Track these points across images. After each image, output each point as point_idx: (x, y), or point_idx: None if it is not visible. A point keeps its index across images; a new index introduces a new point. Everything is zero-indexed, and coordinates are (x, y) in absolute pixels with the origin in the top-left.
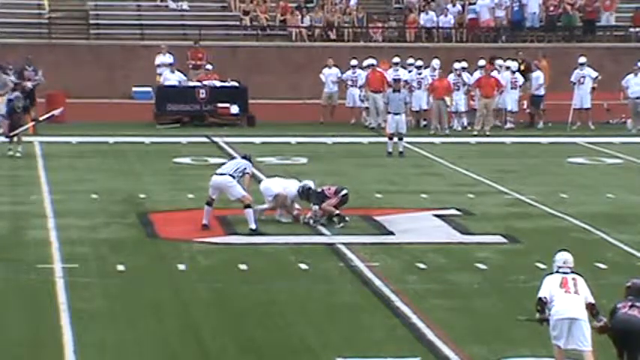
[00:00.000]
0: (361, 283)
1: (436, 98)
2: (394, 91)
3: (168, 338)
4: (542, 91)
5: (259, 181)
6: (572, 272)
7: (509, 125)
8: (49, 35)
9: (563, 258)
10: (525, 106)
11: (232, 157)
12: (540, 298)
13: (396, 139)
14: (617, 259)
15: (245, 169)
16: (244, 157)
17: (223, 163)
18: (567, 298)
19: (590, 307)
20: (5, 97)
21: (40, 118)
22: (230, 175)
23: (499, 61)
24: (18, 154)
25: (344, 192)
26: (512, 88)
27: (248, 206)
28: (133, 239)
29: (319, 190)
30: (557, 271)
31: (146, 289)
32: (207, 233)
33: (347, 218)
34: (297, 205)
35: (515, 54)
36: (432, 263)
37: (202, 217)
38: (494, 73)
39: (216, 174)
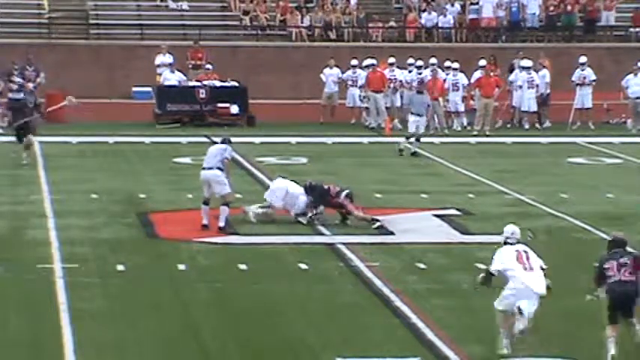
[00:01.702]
0: (361, 283)
1: (431, 99)
2: (418, 92)
3: (168, 338)
4: (548, 90)
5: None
6: (519, 243)
7: (527, 126)
8: (49, 35)
9: (512, 229)
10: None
11: (214, 142)
12: (491, 273)
13: (412, 139)
14: None
15: (223, 154)
16: (223, 142)
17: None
18: (529, 276)
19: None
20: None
21: (58, 105)
22: (218, 168)
23: (516, 61)
24: (25, 162)
25: (346, 192)
26: (528, 88)
27: (227, 204)
28: (133, 239)
29: (325, 187)
30: (505, 242)
31: (146, 289)
32: (207, 233)
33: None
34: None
35: (516, 54)
36: (432, 263)
37: (201, 217)
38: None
39: (204, 168)
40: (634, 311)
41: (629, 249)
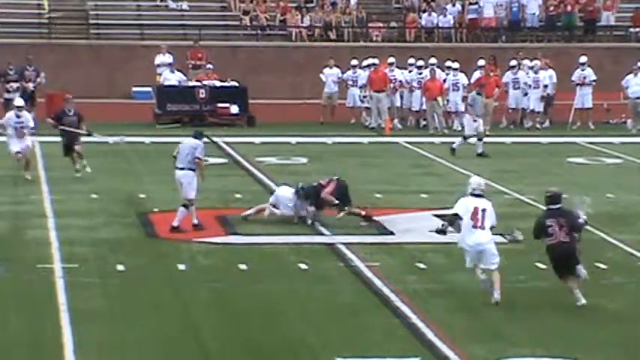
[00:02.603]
0: (361, 283)
1: (429, 99)
2: (478, 94)
3: (168, 338)
4: (553, 90)
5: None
6: (483, 196)
7: (530, 124)
8: (49, 35)
9: (477, 181)
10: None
11: (195, 136)
12: (456, 215)
13: (474, 140)
14: (617, 259)
15: (195, 153)
16: (195, 136)
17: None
18: (474, 234)
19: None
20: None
21: (111, 141)
22: (190, 168)
23: (525, 61)
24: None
25: (336, 177)
26: (534, 88)
27: (186, 206)
28: (132, 239)
29: (314, 184)
30: (471, 194)
31: (146, 289)
32: (207, 233)
33: (363, 214)
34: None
35: (516, 54)
36: (432, 263)
37: (196, 215)
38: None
39: (177, 168)
40: (574, 268)
41: (563, 206)
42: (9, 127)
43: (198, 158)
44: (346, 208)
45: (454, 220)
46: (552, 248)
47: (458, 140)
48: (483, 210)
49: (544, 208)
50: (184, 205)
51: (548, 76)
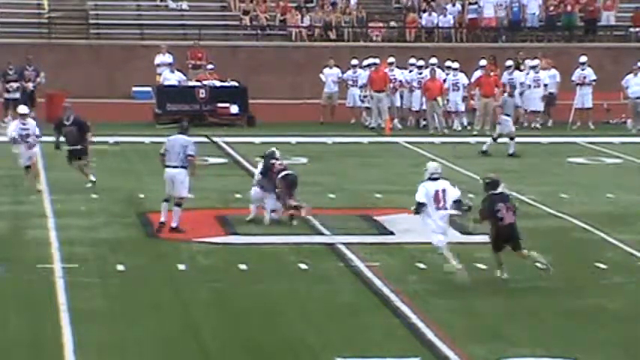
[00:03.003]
0: (361, 283)
1: (429, 99)
2: (509, 95)
3: (168, 338)
4: (556, 90)
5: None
6: (440, 179)
7: (534, 125)
8: (48, 35)
9: (435, 166)
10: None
11: (180, 131)
12: (421, 203)
13: (506, 140)
14: (617, 259)
15: (186, 151)
16: (182, 132)
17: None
18: (439, 215)
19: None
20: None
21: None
22: (182, 167)
23: (527, 61)
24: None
25: (285, 173)
26: (535, 87)
27: (180, 205)
28: (132, 239)
29: (272, 161)
30: (429, 179)
31: (146, 289)
32: (207, 233)
33: (294, 222)
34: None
35: (516, 54)
36: (432, 263)
37: (166, 215)
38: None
39: (169, 166)
40: (520, 244)
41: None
42: (17, 137)
43: (192, 156)
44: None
45: (420, 209)
46: (503, 229)
47: (488, 141)
48: (443, 190)
49: (486, 193)
50: (177, 204)
51: (551, 76)
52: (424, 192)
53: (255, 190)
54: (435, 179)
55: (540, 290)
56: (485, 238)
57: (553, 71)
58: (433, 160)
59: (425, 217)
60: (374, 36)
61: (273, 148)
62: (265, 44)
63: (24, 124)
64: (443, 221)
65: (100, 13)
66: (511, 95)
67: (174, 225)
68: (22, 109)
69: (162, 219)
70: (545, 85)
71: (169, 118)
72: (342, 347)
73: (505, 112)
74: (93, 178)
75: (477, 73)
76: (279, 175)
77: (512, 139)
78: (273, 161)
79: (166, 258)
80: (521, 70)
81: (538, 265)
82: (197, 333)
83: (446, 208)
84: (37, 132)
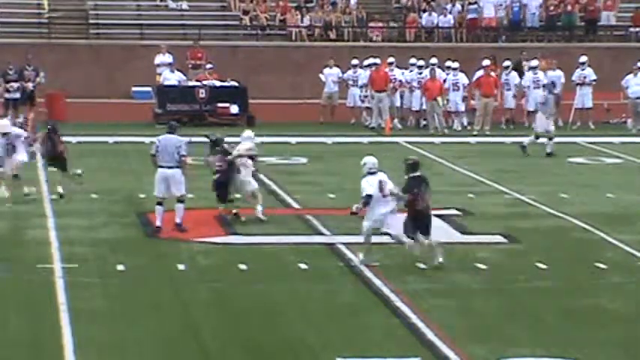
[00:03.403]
0: (361, 283)
1: (429, 99)
2: (550, 93)
3: (168, 338)
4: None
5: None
6: (379, 172)
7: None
8: (48, 35)
9: (372, 160)
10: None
11: (169, 131)
12: (370, 195)
13: (544, 139)
14: (617, 259)
15: (180, 152)
16: (172, 132)
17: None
18: (384, 203)
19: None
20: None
21: None
22: (177, 167)
23: (533, 62)
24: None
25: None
26: (535, 88)
27: (182, 201)
28: (132, 239)
29: (226, 145)
30: (368, 173)
31: (146, 289)
32: (207, 233)
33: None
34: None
35: (520, 54)
36: (432, 263)
37: (162, 219)
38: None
39: (163, 167)
40: (429, 228)
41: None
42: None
43: (184, 156)
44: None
45: (368, 201)
46: (421, 211)
47: (528, 139)
48: (384, 182)
49: (405, 176)
50: (180, 201)
51: (557, 77)
52: (370, 185)
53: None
54: (374, 173)
55: (540, 290)
56: (485, 239)
57: (558, 72)
58: (434, 160)
59: (370, 208)
60: (374, 36)
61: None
62: (265, 44)
63: (7, 140)
64: (385, 210)
65: (100, 13)
66: (551, 92)
67: (178, 221)
68: (3, 127)
69: (157, 223)
70: (544, 86)
71: (169, 118)
72: (342, 347)
73: (543, 110)
74: (61, 191)
75: (480, 73)
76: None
77: (550, 138)
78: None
79: (166, 258)
80: (519, 71)
81: (438, 259)
82: (197, 333)
83: (386, 196)
84: (24, 134)
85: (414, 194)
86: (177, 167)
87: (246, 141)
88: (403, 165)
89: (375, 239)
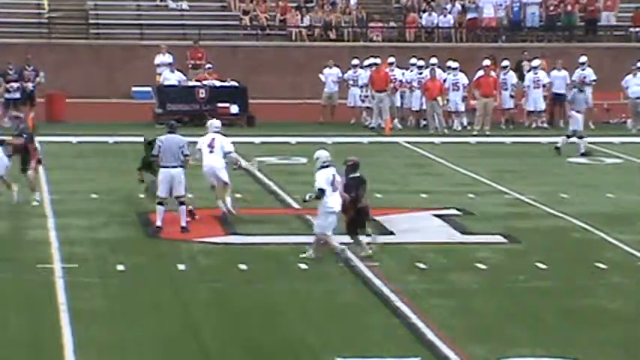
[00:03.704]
0: (361, 283)
1: (429, 99)
2: (580, 91)
3: (168, 338)
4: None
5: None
6: (330, 166)
7: (535, 125)
8: (48, 35)
9: (325, 154)
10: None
11: (170, 131)
12: (323, 190)
13: (575, 139)
14: (617, 259)
15: (183, 151)
16: (173, 131)
17: (157, 144)
18: (334, 197)
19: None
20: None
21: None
22: (181, 166)
23: (535, 62)
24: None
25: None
26: (535, 88)
27: (184, 203)
28: (132, 239)
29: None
30: (322, 166)
31: (146, 289)
32: (207, 233)
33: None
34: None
35: (521, 54)
36: (432, 263)
37: (163, 219)
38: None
39: (167, 166)
40: (365, 227)
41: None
42: None
43: (187, 155)
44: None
45: (322, 195)
46: (361, 210)
47: (561, 139)
48: (336, 175)
49: (346, 175)
50: (182, 203)
51: (562, 77)
52: (324, 178)
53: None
54: (327, 166)
55: (540, 290)
56: (485, 239)
57: (563, 72)
58: (434, 160)
59: (324, 201)
60: (374, 36)
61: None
62: (265, 44)
63: None
64: (336, 206)
65: (100, 13)
66: (581, 91)
67: (183, 224)
68: None
69: (158, 223)
70: (544, 86)
71: (169, 118)
72: (342, 347)
73: (575, 108)
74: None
75: (480, 73)
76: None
77: (581, 137)
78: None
79: (166, 258)
80: (520, 71)
81: (367, 251)
82: (197, 333)
83: (337, 194)
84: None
85: (355, 195)
86: (181, 167)
87: (212, 131)
88: (344, 166)
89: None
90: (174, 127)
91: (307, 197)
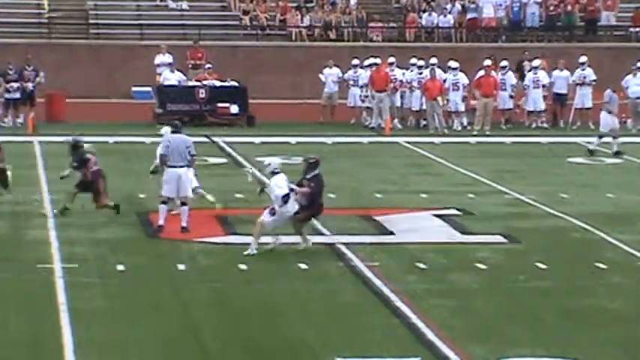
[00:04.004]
0: (361, 283)
1: (429, 99)
2: (614, 91)
3: (168, 338)
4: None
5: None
6: (281, 172)
7: (535, 125)
8: (48, 35)
9: (276, 162)
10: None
11: (175, 130)
12: (287, 194)
13: (609, 139)
14: (617, 259)
15: (190, 151)
16: (176, 131)
17: (166, 145)
18: (292, 201)
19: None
20: None
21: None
22: (187, 166)
23: (535, 62)
24: None
25: (98, 168)
26: (534, 88)
27: (186, 204)
28: (132, 239)
29: (87, 155)
30: (272, 173)
31: (146, 289)
32: (207, 233)
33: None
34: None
35: (522, 54)
36: (432, 263)
37: (165, 218)
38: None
39: (174, 166)
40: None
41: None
42: None
43: (194, 155)
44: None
45: (287, 200)
46: (321, 205)
47: (595, 140)
48: (285, 179)
49: (306, 175)
50: (184, 203)
51: (564, 77)
52: (283, 183)
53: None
54: (277, 173)
55: (540, 290)
56: (485, 239)
57: (565, 72)
58: (434, 160)
59: (283, 204)
60: (374, 36)
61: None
62: (265, 44)
63: None
64: (292, 208)
65: (100, 13)
66: (614, 91)
67: (184, 225)
68: None
69: (161, 222)
70: (544, 86)
71: (169, 118)
72: (342, 347)
73: (609, 108)
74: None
75: (481, 73)
76: (94, 170)
77: (614, 137)
78: (89, 156)
79: (166, 258)
80: (520, 71)
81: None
82: (197, 333)
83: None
84: None
85: (312, 192)
86: (187, 166)
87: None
88: (304, 163)
89: (374, 239)
90: (179, 127)
91: (277, 208)
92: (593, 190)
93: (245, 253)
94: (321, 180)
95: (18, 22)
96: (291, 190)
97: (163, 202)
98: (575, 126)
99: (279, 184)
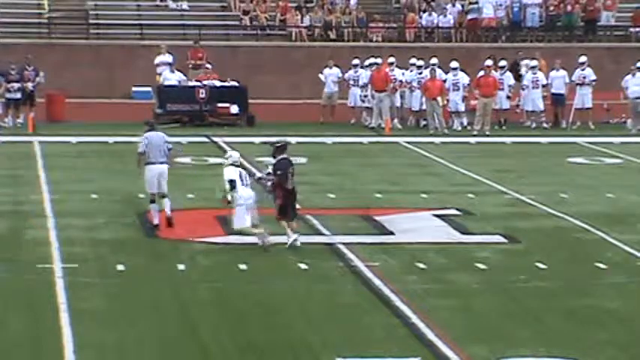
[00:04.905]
0: (361, 283)
1: (429, 98)
2: None
3: (168, 338)
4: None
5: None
6: (240, 166)
7: (534, 125)
8: (48, 35)
9: (236, 155)
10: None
11: (151, 128)
12: (233, 180)
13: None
14: (617, 259)
15: (168, 146)
16: (154, 129)
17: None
18: (246, 190)
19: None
20: None
21: None
22: (166, 162)
23: (533, 62)
24: None
25: None
26: (534, 88)
27: (165, 195)
28: (132, 239)
29: None
30: (232, 164)
31: (146, 289)
32: (207, 233)
33: None
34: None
35: (516, 54)
36: (432, 263)
37: (152, 216)
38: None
39: (154, 162)
40: (295, 210)
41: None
42: None
43: (171, 149)
44: None
45: (234, 185)
46: (292, 190)
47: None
48: (242, 172)
49: (275, 158)
50: (164, 196)
51: (560, 77)
52: (235, 173)
53: None
54: (237, 166)
55: (540, 290)
56: (485, 239)
57: (562, 72)
58: (434, 160)
59: (235, 192)
60: (374, 36)
61: None
62: (265, 44)
63: None
64: (249, 194)
65: (100, 13)
66: None
67: (168, 214)
68: None
69: (155, 221)
70: (544, 86)
71: (169, 118)
72: (342, 347)
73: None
74: None
75: (482, 73)
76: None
77: None
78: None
79: (166, 258)
80: (516, 72)
81: (294, 240)
82: (197, 333)
83: (248, 185)
84: None
85: (284, 174)
86: (166, 162)
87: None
88: (270, 147)
89: (374, 239)
90: (153, 125)
91: (229, 197)
92: (593, 190)
93: (259, 244)
94: (289, 164)
95: (18, 22)
96: (259, 179)
97: (152, 201)
98: (575, 126)
99: (229, 172)
